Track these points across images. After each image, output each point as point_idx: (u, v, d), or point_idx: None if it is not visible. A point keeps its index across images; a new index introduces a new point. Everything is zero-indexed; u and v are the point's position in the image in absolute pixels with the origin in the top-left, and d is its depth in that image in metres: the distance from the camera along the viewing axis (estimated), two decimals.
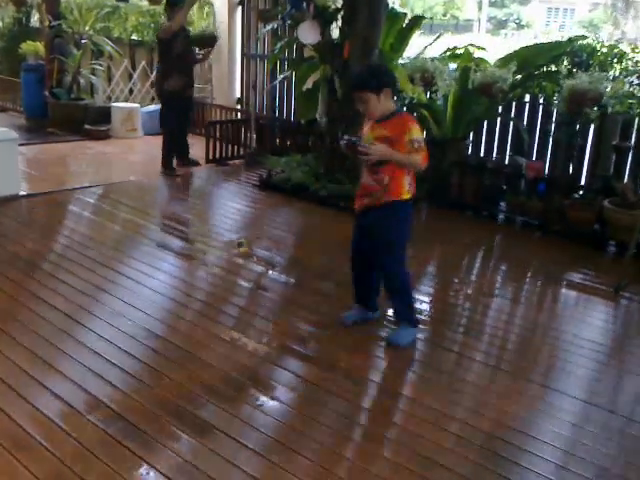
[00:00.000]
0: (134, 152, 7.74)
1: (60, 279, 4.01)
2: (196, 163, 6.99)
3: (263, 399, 2.88)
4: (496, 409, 2.90)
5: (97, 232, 4.97)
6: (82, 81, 8.77)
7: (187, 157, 6.94)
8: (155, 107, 8.81)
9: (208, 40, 6.72)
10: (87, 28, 8.84)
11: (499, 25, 37.80)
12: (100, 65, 9.10)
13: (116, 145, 7.97)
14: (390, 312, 3.66)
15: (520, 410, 2.91)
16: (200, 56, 7.19)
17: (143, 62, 9.20)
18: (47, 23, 8.47)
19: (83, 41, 8.74)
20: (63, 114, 8.34)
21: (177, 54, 6.34)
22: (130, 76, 9.25)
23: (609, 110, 5.22)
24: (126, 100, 9.10)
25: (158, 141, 8.22)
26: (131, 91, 9.25)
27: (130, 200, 5.82)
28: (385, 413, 2.85)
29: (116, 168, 7.11)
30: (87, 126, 8.19)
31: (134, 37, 9.47)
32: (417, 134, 3.19)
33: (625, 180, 5.30)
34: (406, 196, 3.32)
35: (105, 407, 2.75)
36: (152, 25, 9.16)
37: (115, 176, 6.66)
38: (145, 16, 9.19)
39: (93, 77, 8.96)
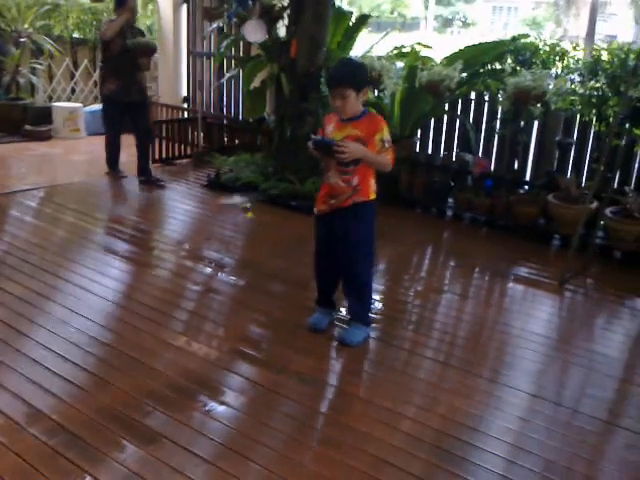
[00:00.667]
0: (77, 153, 7.54)
1: None
2: (122, 175, 6.52)
3: (213, 405, 2.82)
4: (446, 406, 2.92)
5: (39, 237, 4.81)
6: (22, 81, 8.49)
7: (113, 167, 6.56)
8: (98, 106, 8.61)
9: (144, 50, 6.12)
10: (26, 26, 8.57)
11: (445, 23, 38.42)
12: (40, 64, 8.82)
13: (58, 146, 7.75)
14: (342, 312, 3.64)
15: (470, 406, 2.93)
16: (144, 62, 6.57)
17: (85, 61, 8.98)
18: None
19: (22, 39, 8.47)
20: (1, 115, 8.06)
21: (114, 56, 6.04)
22: (72, 75, 9.00)
23: (552, 107, 5.33)
24: (68, 100, 8.87)
25: (101, 141, 8.06)
26: (73, 90, 9.01)
27: (74, 203, 5.66)
28: (337, 415, 2.83)
29: (59, 169, 6.92)
30: (27, 127, 7.95)
31: (76, 35, 9.22)
32: (387, 134, 3.19)
33: (568, 175, 5.42)
34: (373, 196, 3.34)
35: (46, 418, 2.65)
36: (94, 23, 8.94)
37: (58, 178, 6.47)
38: (87, 13, 8.98)
39: (33, 76, 8.68)
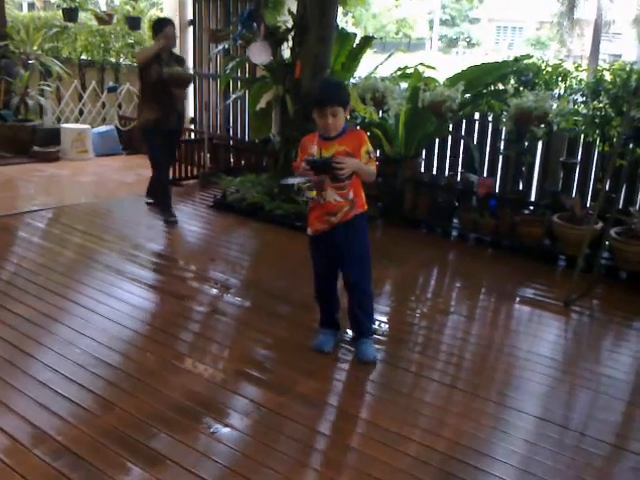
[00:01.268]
0: (85, 174, 7.59)
1: (6, 308, 3.88)
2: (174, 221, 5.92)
3: (218, 427, 2.82)
4: (453, 429, 2.90)
5: (46, 258, 4.84)
6: (30, 102, 8.59)
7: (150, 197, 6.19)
8: (106, 128, 8.72)
9: (177, 81, 5.75)
10: (35, 48, 8.69)
11: (450, 43, 38.65)
12: (49, 86, 8.93)
13: (66, 167, 7.81)
14: (352, 332, 3.64)
15: (476, 429, 2.92)
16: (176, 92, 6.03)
17: (93, 82, 9.07)
18: None
19: (31, 62, 8.58)
20: (10, 136, 8.14)
21: (152, 83, 5.62)
22: (80, 97, 9.10)
23: (555, 127, 5.35)
24: (76, 121, 8.95)
25: (110, 162, 8.19)
26: (81, 112, 9.10)
27: (81, 224, 5.70)
28: (342, 437, 2.83)
29: (66, 191, 6.97)
30: (36, 148, 8.02)
31: (84, 57, 9.33)
32: (370, 146, 3.32)
33: (573, 195, 5.43)
34: (366, 207, 3.46)
35: (52, 440, 2.66)
36: (102, 45, 9.04)
37: (65, 199, 6.52)
38: (95, 36, 9.06)
39: (42, 98, 8.79)
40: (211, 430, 2.79)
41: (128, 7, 9.02)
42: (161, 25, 5.67)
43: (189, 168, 7.38)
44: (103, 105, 9.15)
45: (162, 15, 8.77)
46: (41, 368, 3.21)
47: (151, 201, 6.17)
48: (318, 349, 3.52)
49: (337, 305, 3.62)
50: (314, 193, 3.35)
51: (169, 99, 5.70)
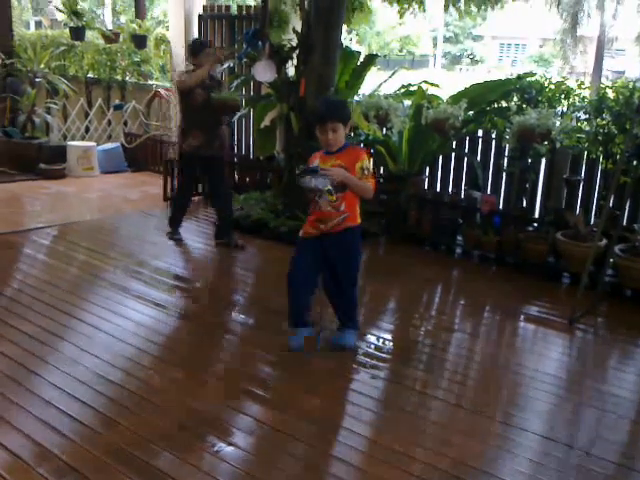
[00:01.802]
0: (90, 191, 7.63)
1: (11, 325, 3.89)
2: (179, 238, 5.85)
3: (221, 445, 2.81)
4: (457, 448, 2.89)
5: (52, 275, 4.85)
6: (37, 120, 8.66)
7: (175, 228, 5.90)
8: (112, 145, 8.77)
9: (230, 107, 5.60)
10: (42, 66, 8.77)
11: (454, 60, 38.89)
12: (55, 104, 9.00)
13: (72, 184, 7.85)
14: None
15: (481, 448, 2.91)
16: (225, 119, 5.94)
17: (100, 100, 9.15)
18: (0, 62, 8.37)
19: (38, 79, 8.66)
20: (16, 153, 8.19)
21: (196, 108, 5.41)
22: (86, 114, 9.17)
23: (558, 145, 5.37)
24: (82, 138, 9.01)
25: (115, 179, 8.23)
26: (87, 129, 9.17)
27: (87, 241, 5.72)
28: (346, 456, 2.81)
29: (72, 207, 7.00)
30: (42, 165, 8.06)
31: (90, 75, 9.42)
32: (368, 163, 3.53)
33: (577, 212, 5.43)
34: (359, 220, 3.67)
35: (55, 458, 2.66)
36: (108, 63, 9.13)
37: (72, 216, 6.54)
38: (101, 54, 9.15)
39: (48, 116, 8.86)
40: (214, 449, 2.79)
41: (134, 25, 9.11)
42: (201, 46, 5.56)
43: (194, 185, 7.38)
44: (109, 122, 9.22)
45: (166, 33, 8.87)
46: (45, 386, 3.22)
47: (222, 241, 5.74)
48: (294, 349, 3.71)
49: (308, 307, 3.79)
50: (333, 198, 3.47)
51: (213, 125, 5.54)
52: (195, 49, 5.54)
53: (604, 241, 4.80)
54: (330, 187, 3.45)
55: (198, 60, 5.46)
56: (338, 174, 3.42)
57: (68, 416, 2.96)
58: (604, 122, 5.21)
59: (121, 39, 9.07)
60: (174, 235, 5.84)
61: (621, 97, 5.13)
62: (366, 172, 3.49)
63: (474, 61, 38.42)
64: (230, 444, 2.83)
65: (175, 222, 5.90)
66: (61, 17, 10.37)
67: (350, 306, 3.83)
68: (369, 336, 4.04)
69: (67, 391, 3.17)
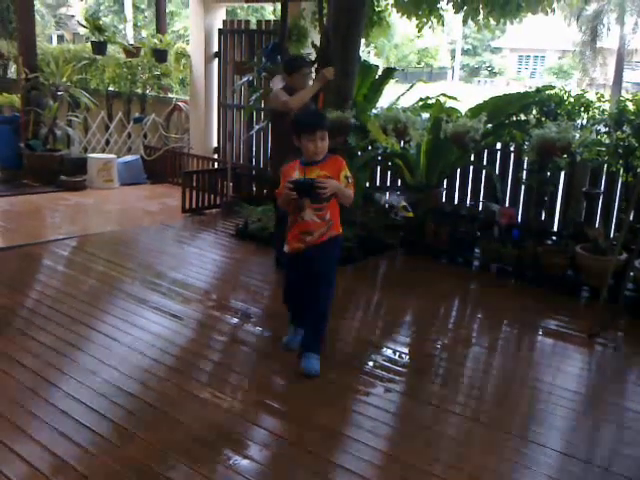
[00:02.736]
0: (110, 203, 7.72)
1: (30, 336, 3.93)
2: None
3: (237, 459, 2.81)
4: (474, 463, 2.86)
5: (71, 286, 4.90)
6: (58, 132, 8.79)
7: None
8: (131, 157, 8.87)
9: (342, 129, 5.28)
10: (64, 80, 8.91)
11: (472, 72, 38.85)
12: (77, 117, 9.14)
13: (92, 196, 7.95)
14: (372, 363, 3.62)
15: (498, 463, 2.88)
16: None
17: (120, 113, 9.26)
18: (24, 76, 8.51)
19: (59, 93, 8.79)
20: (38, 165, 8.32)
21: (290, 133, 4.87)
22: (107, 127, 9.29)
23: (578, 158, 5.33)
24: (102, 151, 9.13)
25: (134, 191, 8.31)
26: (107, 142, 9.28)
27: (106, 252, 5.77)
28: (361, 470, 2.79)
29: (92, 219, 7.08)
30: (63, 177, 8.17)
31: (111, 88, 9.54)
32: (348, 171, 3.52)
33: (596, 226, 5.38)
34: (341, 230, 3.64)
35: (71, 469, 2.67)
36: (129, 77, 9.25)
37: (91, 227, 6.62)
38: (122, 68, 9.27)
39: (69, 129, 8.99)
40: (230, 461, 2.79)
41: (155, 40, 9.23)
42: (298, 65, 5.07)
43: (212, 197, 7.46)
44: (129, 135, 9.33)
45: (209, 49, 8.96)
46: (62, 397, 3.24)
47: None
48: (286, 347, 3.84)
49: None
50: (410, 214, 3.45)
51: None
52: (291, 67, 5.03)
53: (624, 255, 4.75)
54: (405, 203, 3.40)
55: (294, 80, 4.97)
56: (333, 187, 3.39)
57: (85, 427, 2.98)
58: (624, 135, 5.17)
59: (142, 53, 9.18)
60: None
61: None
62: (350, 180, 3.50)
63: (492, 73, 38.34)
64: (245, 457, 2.83)
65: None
66: (83, 31, 10.52)
67: (321, 322, 3.65)
68: (385, 349, 4.03)
69: (84, 402, 3.19)
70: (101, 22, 9.83)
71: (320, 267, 3.60)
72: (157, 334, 4.08)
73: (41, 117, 8.63)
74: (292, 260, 3.68)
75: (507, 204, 6.00)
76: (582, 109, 5.64)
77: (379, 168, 6.84)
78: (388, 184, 6.81)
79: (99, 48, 9.09)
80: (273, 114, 5.19)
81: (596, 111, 5.60)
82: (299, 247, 3.56)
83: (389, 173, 6.79)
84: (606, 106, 5.61)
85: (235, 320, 4.39)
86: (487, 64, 39.22)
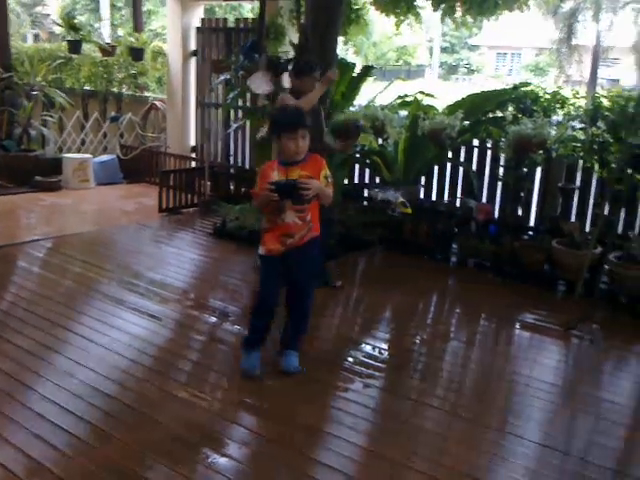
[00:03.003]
0: (87, 203, 7.64)
1: (5, 338, 3.87)
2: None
3: (216, 457, 2.80)
4: (454, 457, 2.88)
5: (47, 288, 4.85)
6: (33, 132, 8.68)
7: None
8: (107, 157, 8.79)
9: (352, 132, 5.14)
10: (39, 79, 8.80)
11: (450, 70, 39.02)
12: (51, 116, 9.03)
13: (68, 196, 7.86)
14: (351, 360, 3.63)
15: (478, 457, 2.90)
16: (338, 146, 5.27)
17: (96, 112, 9.17)
18: None
19: (34, 92, 8.68)
20: (13, 166, 8.18)
21: None
22: (82, 127, 9.19)
23: (554, 154, 5.38)
24: (78, 151, 9.03)
25: (111, 191, 8.24)
26: (83, 142, 9.18)
27: (82, 253, 5.71)
28: (341, 466, 2.79)
29: (68, 220, 7.00)
30: (38, 177, 8.06)
31: (87, 87, 9.44)
32: (328, 171, 3.44)
33: (572, 220, 5.44)
34: (319, 231, 3.53)
35: (47, 472, 2.64)
36: (105, 76, 9.16)
37: (67, 228, 6.54)
38: (98, 67, 9.18)
39: (44, 128, 8.88)
40: (210, 461, 2.78)
41: (131, 39, 9.15)
42: (309, 68, 4.77)
43: (189, 196, 7.42)
44: (105, 135, 9.23)
45: (186, 47, 8.90)
46: (38, 399, 3.20)
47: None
48: (250, 373, 3.52)
49: (271, 325, 3.63)
50: (409, 210, 3.34)
51: (316, 152, 4.85)
52: (301, 71, 4.77)
53: (599, 249, 4.81)
54: (402, 199, 3.29)
55: (303, 83, 4.71)
56: (316, 188, 3.29)
57: (61, 429, 2.94)
58: (599, 131, 5.23)
59: (118, 52, 9.10)
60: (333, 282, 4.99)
61: (616, 106, 5.15)
62: (330, 180, 3.43)
63: (470, 71, 38.56)
64: (225, 456, 2.82)
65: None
66: (59, 30, 10.40)
67: (304, 321, 3.66)
68: (365, 345, 4.04)
69: (61, 404, 3.15)
70: (76, 21, 9.72)
71: (303, 268, 3.50)
72: (135, 335, 4.05)
73: (15, 117, 8.52)
74: (268, 262, 3.49)
75: (484, 200, 6.04)
76: (558, 106, 5.70)
77: (357, 166, 6.85)
78: (367, 181, 6.83)
79: (74, 47, 8.99)
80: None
81: (571, 107, 5.66)
82: (278, 249, 3.43)
83: (367, 171, 6.80)
84: (581, 102, 5.67)
85: (213, 319, 4.37)
86: (465, 62, 39.41)
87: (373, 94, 6.66)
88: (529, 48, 36.10)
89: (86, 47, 9.24)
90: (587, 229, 5.41)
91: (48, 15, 23.03)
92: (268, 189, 3.24)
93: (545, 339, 4.27)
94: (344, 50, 9.88)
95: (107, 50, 9.03)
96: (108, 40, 10.15)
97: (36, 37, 24.77)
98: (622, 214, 5.26)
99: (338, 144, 5.18)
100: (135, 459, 2.75)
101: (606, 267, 4.83)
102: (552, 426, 3.22)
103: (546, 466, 2.83)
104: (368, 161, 6.53)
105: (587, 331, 4.38)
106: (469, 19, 6.37)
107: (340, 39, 6.52)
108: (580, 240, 5.01)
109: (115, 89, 9.26)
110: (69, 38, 9.01)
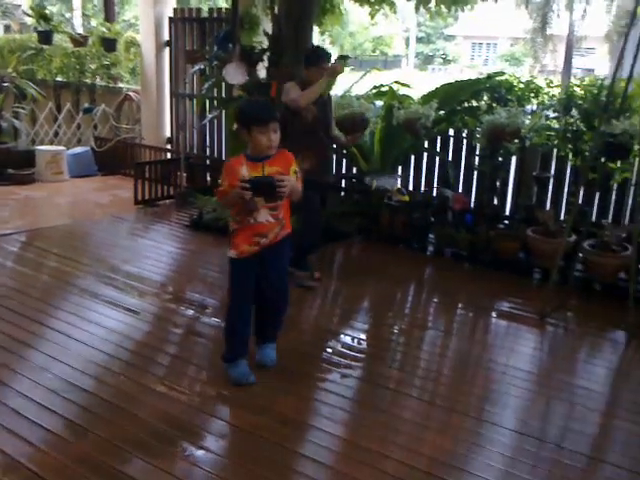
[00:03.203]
0: (61, 195, 7.54)
1: None
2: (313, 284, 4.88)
3: (194, 450, 2.79)
4: (432, 446, 2.90)
5: (21, 282, 4.77)
6: (4, 124, 8.53)
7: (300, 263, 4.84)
8: (81, 149, 8.67)
9: (359, 125, 5.05)
10: (9, 71, 8.64)
11: (426, 60, 39.11)
12: (23, 108, 8.88)
13: (42, 189, 7.75)
14: (330, 350, 3.63)
15: (455, 445, 2.92)
16: (346, 140, 5.19)
17: (68, 104, 9.03)
18: None
19: (5, 84, 8.53)
20: None
21: (307, 127, 4.64)
22: (55, 118, 9.05)
23: (528, 143, 5.42)
24: (51, 143, 8.89)
25: (85, 184, 8.14)
26: (56, 134, 9.05)
27: (57, 246, 5.63)
28: (320, 457, 2.80)
29: (42, 213, 6.90)
30: (10, 170, 7.94)
31: (59, 79, 9.30)
32: (296, 165, 3.29)
33: (547, 209, 5.49)
34: (291, 228, 3.41)
35: (23, 468, 2.61)
36: (77, 67, 9.02)
37: (41, 221, 6.44)
38: (70, 57, 9.03)
39: (16, 120, 8.73)
40: (186, 453, 2.77)
41: (104, 29, 9.01)
42: (319, 57, 4.71)
43: (165, 188, 7.35)
44: (78, 126, 9.10)
45: (138, 34, 8.78)
46: (13, 395, 3.16)
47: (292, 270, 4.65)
48: (243, 382, 3.35)
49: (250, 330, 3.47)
50: (406, 198, 3.15)
51: (323, 146, 4.85)
52: (312, 59, 4.69)
53: (573, 237, 4.86)
54: (399, 186, 3.13)
55: (310, 73, 4.66)
56: (291, 185, 3.13)
57: (37, 425, 2.91)
58: (573, 120, 5.28)
59: (90, 42, 8.96)
60: (303, 282, 4.82)
61: (589, 95, 5.20)
62: (299, 174, 3.27)
63: (446, 61, 38.69)
64: (203, 449, 2.81)
65: (305, 257, 4.89)
66: (30, 21, 10.21)
67: (281, 317, 3.57)
68: (342, 336, 4.05)
69: (36, 400, 3.11)
70: (47, 11, 9.54)
71: (279, 267, 3.39)
72: (112, 329, 4.01)
73: None
74: (241, 265, 3.28)
75: (460, 190, 6.07)
76: (532, 95, 5.74)
77: (334, 156, 6.83)
78: (343, 172, 6.82)
79: (45, 37, 8.83)
80: (286, 110, 4.69)
81: (545, 97, 5.70)
82: (250, 250, 3.24)
83: (344, 161, 6.79)
84: (555, 92, 5.72)
85: (191, 312, 4.35)
86: (441, 52, 39.54)
87: (349, 84, 6.65)
88: (505, 38, 36.29)
89: (57, 38, 9.07)
90: (562, 217, 5.46)
91: (19, 6, 22.61)
92: (241, 187, 3.03)
93: (521, 327, 4.32)
94: (320, 40, 9.82)
95: (79, 41, 8.88)
96: (80, 30, 9.98)
97: (7, 28, 24.28)
98: (596, 202, 5.32)
99: (347, 137, 5.10)
100: (112, 454, 2.73)
101: (580, 255, 4.88)
102: (528, 413, 3.26)
103: (522, 453, 2.87)
104: (345, 151, 6.53)
105: (562, 318, 4.44)
106: (443, 9, 6.37)
107: (316, 29, 6.48)
108: (555, 228, 5.06)
109: (88, 80, 9.11)
110: (40, 29, 8.84)
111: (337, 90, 6.73)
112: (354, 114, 5.08)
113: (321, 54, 4.76)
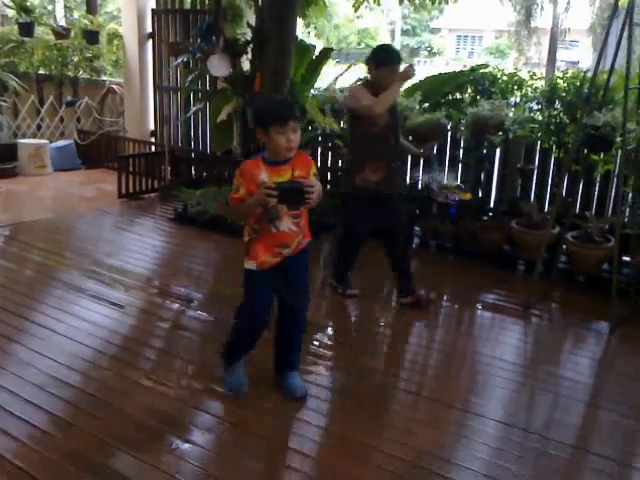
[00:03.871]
0: (44, 189, 7.47)
1: None
2: (353, 294, 4.65)
3: (181, 445, 2.79)
4: (418, 437, 2.91)
5: (4, 277, 4.73)
6: None
7: (341, 281, 4.68)
8: (65, 142, 8.59)
9: (435, 133, 4.83)
10: None
11: (411, 53, 39.08)
12: (5, 101, 8.77)
13: (24, 183, 7.67)
14: (317, 343, 3.63)
15: (441, 436, 2.94)
16: (421, 151, 4.87)
17: (51, 97, 8.94)
18: None
19: None
20: None
21: (376, 135, 4.18)
22: (38, 112, 8.96)
23: (512, 135, 5.45)
24: (34, 136, 8.80)
25: (69, 177, 8.07)
26: (39, 127, 8.95)
27: (40, 241, 5.59)
28: (308, 450, 2.81)
29: (25, 207, 6.83)
30: None
31: (41, 71, 9.19)
32: (315, 167, 3.04)
33: (531, 201, 5.53)
34: (310, 236, 3.16)
35: (8, 463, 2.60)
36: (59, 59, 8.91)
37: (24, 215, 6.38)
38: (52, 50, 8.93)
39: None
40: (173, 447, 2.76)
41: (86, 21, 8.92)
42: (389, 58, 4.18)
43: (149, 181, 7.31)
44: (61, 119, 9.02)
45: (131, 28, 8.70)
46: None
47: (407, 301, 4.50)
48: (234, 392, 3.21)
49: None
50: (469, 196, 2.89)
51: (394, 154, 4.40)
52: (383, 59, 4.16)
53: (557, 228, 4.90)
54: (457, 182, 2.81)
55: (380, 74, 4.14)
56: (318, 190, 2.83)
57: (21, 420, 2.89)
58: (556, 112, 5.31)
59: (72, 35, 8.87)
60: (345, 289, 4.64)
61: (572, 87, 5.23)
62: (318, 178, 3.00)
63: (432, 53, 38.71)
64: (191, 443, 2.81)
65: (345, 273, 4.70)
66: (11, 13, 10.07)
67: (301, 337, 3.25)
68: (328, 329, 4.05)
69: (21, 395, 3.09)
70: (28, 3, 9.41)
71: (300, 278, 3.10)
72: (97, 323, 3.98)
73: None
74: (260, 278, 3.00)
75: (445, 182, 6.08)
76: (515, 87, 5.76)
77: (319, 149, 6.83)
78: (329, 165, 6.81)
79: (26, 30, 8.71)
80: (351, 115, 4.39)
81: (529, 89, 5.72)
82: (271, 262, 2.97)
83: (330, 154, 6.78)
84: (539, 84, 5.74)
85: (177, 306, 4.33)
86: (426, 44, 39.55)
87: (334, 77, 6.63)
88: (490, 31, 36.39)
89: (39, 30, 8.97)
90: (545, 209, 5.50)
91: None
92: (266, 193, 2.73)
93: (506, 318, 4.35)
94: (305, 33, 9.80)
95: (61, 33, 8.78)
96: (62, 23, 9.86)
97: None
98: (579, 194, 5.36)
99: (425, 146, 4.80)
100: (98, 448, 2.72)
101: (564, 247, 4.92)
102: (513, 404, 3.29)
103: (508, 444, 2.89)
104: (330, 144, 6.52)
105: (546, 310, 4.48)
106: (427, 1, 6.37)
107: (300, 21, 6.45)
108: (538, 220, 5.09)
109: (71, 73, 9.02)
110: (21, 21, 8.73)
111: (322, 83, 6.73)
112: (428, 123, 4.82)
113: (393, 54, 4.25)
